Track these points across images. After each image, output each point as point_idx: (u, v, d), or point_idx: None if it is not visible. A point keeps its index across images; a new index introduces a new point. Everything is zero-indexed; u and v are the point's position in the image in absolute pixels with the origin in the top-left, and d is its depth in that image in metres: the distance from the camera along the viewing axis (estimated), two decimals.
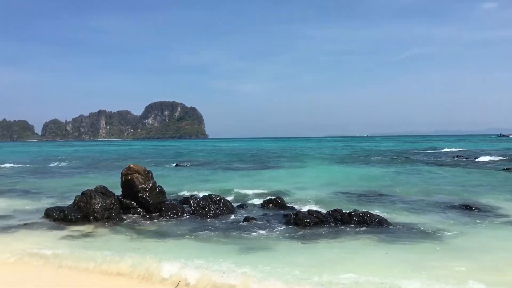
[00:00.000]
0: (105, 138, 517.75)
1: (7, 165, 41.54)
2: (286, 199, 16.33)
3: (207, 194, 15.07)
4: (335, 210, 12.78)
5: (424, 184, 22.02)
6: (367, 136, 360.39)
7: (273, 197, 16.20)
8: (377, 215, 12.46)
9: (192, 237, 10.90)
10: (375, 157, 46.69)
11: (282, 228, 11.88)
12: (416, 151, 60.79)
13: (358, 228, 11.68)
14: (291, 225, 12.04)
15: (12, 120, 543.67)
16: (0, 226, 12.18)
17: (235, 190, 19.61)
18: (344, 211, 12.68)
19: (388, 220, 12.33)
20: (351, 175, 27.15)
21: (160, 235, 11.19)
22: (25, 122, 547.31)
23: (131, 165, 13.88)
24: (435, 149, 66.49)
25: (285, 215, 13.24)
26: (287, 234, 11.12)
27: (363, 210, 12.84)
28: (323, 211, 13.35)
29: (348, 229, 11.66)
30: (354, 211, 12.66)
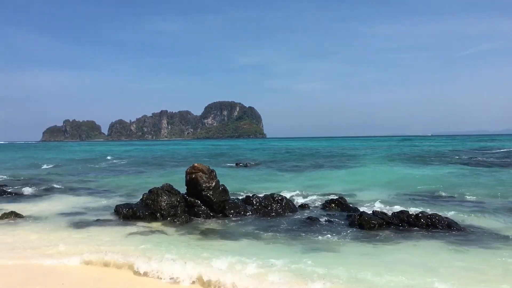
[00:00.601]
0: (166, 137, 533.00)
1: (78, 164, 43.85)
2: (347, 199, 16.07)
3: (268, 194, 15.14)
4: (401, 212, 12.40)
5: (494, 185, 20.87)
6: (431, 135, 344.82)
7: (335, 197, 16.02)
8: (446, 218, 11.95)
9: (256, 237, 10.89)
10: (439, 157, 44.90)
11: (346, 229, 11.68)
12: (484, 151, 57.81)
13: (426, 231, 11.24)
14: (355, 226, 11.81)
15: (81, 120, 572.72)
16: (74, 222, 12.81)
17: (295, 190, 19.53)
18: (410, 213, 12.29)
19: (458, 223, 11.81)
20: (414, 176, 26.24)
21: (224, 234, 11.29)
22: (93, 122, 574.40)
23: (196, 164, 14.18)
24: (504, 148, 62.93)
25: (349, 216, 13.04)
26: (352, 236, 10.91)
27: (431, 212, 12.39)
28: (387, 212, 13.03)
29: (416, 232, 11.25)
30: (422, 213, 12.24)
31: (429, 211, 12.86)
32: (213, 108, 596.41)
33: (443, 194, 18.29)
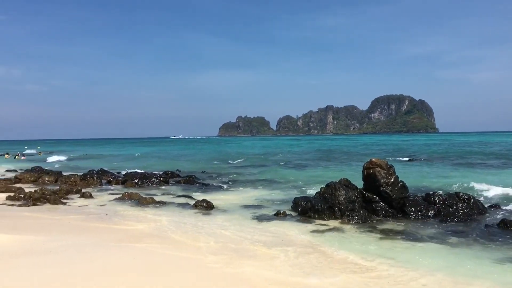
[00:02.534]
0: (332, 132, 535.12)
1: (254, 158, 46.81)
2: None
3: (453, 192, 14.08)
4: None
5: None
6: None
7: None
8: None
9: (442, 241, 10.04)
10: None
11: None
12: None
13: None
14: None
15: (252, 116, 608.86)
16: (257, 215, 13.47)
17: (479, 189, 17.78)
18: None
19: None
20: None
21: (406, 236, 10.66)
22: (262, 118, 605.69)
23: (373, 159, 13.88)
24: None
25: None
26: None
27: None
28: None
29: None
30: None
31: None
32: (380, 102, 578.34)
33: None
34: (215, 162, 41.72)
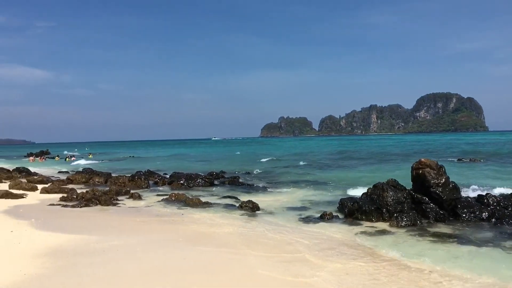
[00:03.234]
0: (375, 132, 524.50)
1: (293, 158, 46.64)
2: None
3: (508, 193, 13.50)
4: None
5: None
6: None
7: None
8: None
9: (497, 245, 9.58)
10: None
11: None
12: None
13: None
14: None
15: (294, 117, 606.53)
16: (303, 217, 13.41)
17: None
18: None
19: None
20: None
21: (460, 239, 10.25)
22: (305, 118, 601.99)
23: (422, 159, 13.51)
24: None
25: None
26: None
27: None
28: None
29: None
30: None
31: None
32: (426, 101, 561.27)
33: None
34: (258, 162, 41.89)
